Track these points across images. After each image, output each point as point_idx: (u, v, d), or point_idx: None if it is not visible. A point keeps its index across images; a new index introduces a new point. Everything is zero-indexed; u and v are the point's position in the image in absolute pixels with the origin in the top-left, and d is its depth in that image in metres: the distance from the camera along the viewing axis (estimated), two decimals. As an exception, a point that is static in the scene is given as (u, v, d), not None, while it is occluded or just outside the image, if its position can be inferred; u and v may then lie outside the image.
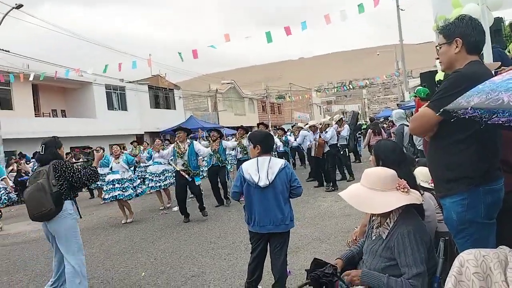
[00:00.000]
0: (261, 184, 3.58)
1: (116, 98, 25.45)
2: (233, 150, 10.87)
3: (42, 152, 4.12)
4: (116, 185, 8.75)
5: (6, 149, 16.37)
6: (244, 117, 39.39)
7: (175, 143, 8.34)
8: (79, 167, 4.36)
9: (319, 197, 9.30)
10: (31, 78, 17.27)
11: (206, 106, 35.87)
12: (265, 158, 3.69)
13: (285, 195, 3.66)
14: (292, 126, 18.34)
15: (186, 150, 8.04)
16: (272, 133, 13.11)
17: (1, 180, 10.45)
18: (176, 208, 9.61)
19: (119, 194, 8.69)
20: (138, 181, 9.68)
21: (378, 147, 2.96)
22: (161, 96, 29.66)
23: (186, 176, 7.90)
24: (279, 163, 3.69)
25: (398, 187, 2.34)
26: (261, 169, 3.62)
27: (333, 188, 9.79)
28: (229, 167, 11.28)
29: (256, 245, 3.76)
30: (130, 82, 27.16)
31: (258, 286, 3.84)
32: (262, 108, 45.79)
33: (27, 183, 4.16)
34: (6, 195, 10.61)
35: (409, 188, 2.36)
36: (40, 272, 5.64)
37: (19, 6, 16.01)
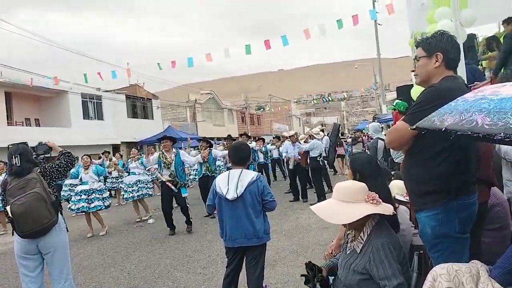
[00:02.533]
0: (229, 196, 3.52)
1: (92, 107, 25.00)
2: (223, 158, 10.92)
3: (18, 163, 3.62)
4: (83, 196, 8.54)
5: (-24, 159, 15.80)
6: (223, 128, 39.30)
7: (161, 152, 8.16)
8: (55, 161, 4.01)
9: (297, 209, 9.29)
10: (1, 79, 16.75)
11: (185, 116, 35.64)
12: (236, 171, 3.64)
13: (256, 208, 3.57)
14: (274, 137, 18.29)
15: (172, 160, 7.90)
16: (252, 143, 13.11)
17: None
18: (151, 221, 9.46)
19: (82, 206, 8.47)
20: (107, 193, 9.42)
21: (354, 160, 2.97)
22: (139, 105, 29.33)
23: (173, 187, 7.75)
24: (249, 175, 3.61)
25: (367, 199, 2.34)
26: (231, 182, 3.57)
27: (317, 201, 9.64)
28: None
29: (231, 259, 3.69)
30: (107, 91, 26.78)
31: None
32: (242, 119, 45.81)
33: (6, 197, 3.61)
34: None
35: (379, 200, 2.36)
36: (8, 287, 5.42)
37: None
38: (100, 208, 8.66)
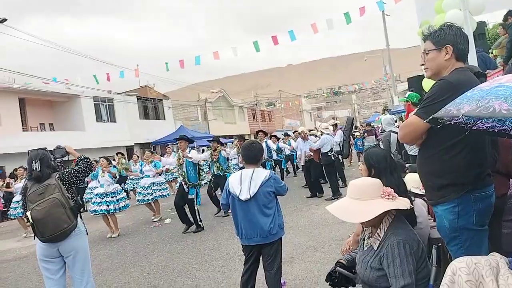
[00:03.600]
0: (242, 197, 3.52)
1: (105, 110, 25.29)
2: (234, 158, 10.96)
3: (38, 168, 3.67)
4: (98, 199, 8.72)
5: (-6, 165, 16.16)
6: (234, 126, 39.40)
7: (179, 152, 8.29)
8: (74, 167, 4.05)
9: (312, 205, 9.30)
10: (15, 86, 17.07)
11: (196, 115, 35.82)
12: (248, 170, 3.64)
13: (270, 206, 3.58)
14: (284, 135, 18.33)
15: (183, 161, 8.00)
16: (268, 141, 13.11)
17: None
18: (168, 220, 9.57)
19: (103, 208, 8.62)
20: (124, 194, 9.52)
21: (369, 156, 2.97)
22: (150, 106, 29.56)
23: (185, 186, 7.90)
24: (263, 174, 3.60)
25: (383, 195, 2.34)
26: (244, 182, 3.56)
27: (333, 198, 9.44)
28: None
29: (248, 257, 3.74)
30: (118, 93, 27.04)
31: None
32: (253, 116, 45.84)
33: (26, 202, 3.67)
34: None
35: (395, 195, 2.36)
36: (31, 291, 5.55)
37: (3, 20, 15.87)
38: (115, 210, 8.78)
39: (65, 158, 4.17)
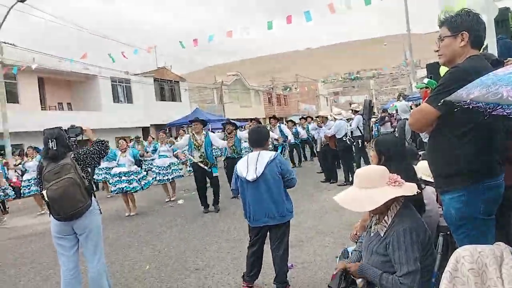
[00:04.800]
0: (249, 178, 3.64)
1: (122, 90, 25.52)
2: (245, 142, 10.96)
3: (54, 147, 3.71)
4: (123, 178, 8.84)
5: (13, 142, 16.51)
6: (250, 109, 39.34)
7: (191, 134, 8.36)
8: (90, 148, 4.11)
9: (324, 190, 9.31)
10: (33, 67, 17.35)
11: (212, 98, 35.87)
12: (254, 153, 3.76)
13: (277, 187, 3.66)
14: (300, 119, 18.29)
15: (203, 142, 8.09)
16: (282, 125, 13.10)
17: None
18: (181, 201, 9.70)
19: (125, 186, 8.79)
20: (144, 173, 9.75)
21: (379, 142, 2.96)
22: (167, 88, 29.70)
23: (205, 167, 7.98)
24: (267, 155, 3.71)
25: (389, 182, 2.33)
26: (250, 164, 3.69)
27: (345, 183, 9.43)
28: None
29: (254, 239, 3.83)
30: (135, 74, 27.21)
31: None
32: (269, 100, 45.69)
33: (42, 181, 3.72)
34: (1, 191, 10.43)
35: (401, 181, 2.35)
36: (46, 265, 5.72)
37: (23, 0, 16.03)
38: (138, 189, 8.94)
39: (79, 138, 4.22)
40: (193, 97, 34.24)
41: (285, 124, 15.44)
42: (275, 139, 11.85)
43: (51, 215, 3.74)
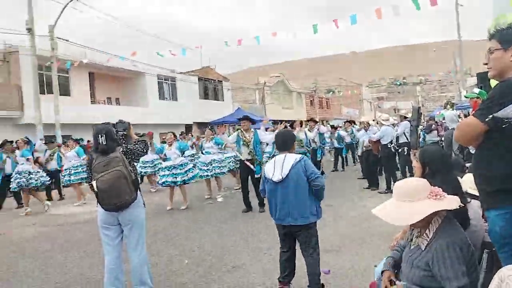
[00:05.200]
0: (275, 179, 3.78)
1: (168, 88, 26.20)
2: (268, 145, 11.04)
3: (104, 142, 3.86)
4: (167, 172, 9.09)
5: (63, 133, 17.31)
6: (291, 111, 39.27)
7: (239, 131, 8.56)
8: (134, 145, 4.30)
9: (365, 196, 9.17)
10: (85, 62, 18.14)
11: (254, 98, 36.09)
12: (281, 156, 3.89)
13: (303, 188, 3.73)
14: (345, 122, 18.09)
15: (251, 138, 8.25)
16: (322, 128, 12.97)
17: (26, 160, 10.33)
18: (220, 199, 9.84)
19: (172, 180, 9.02)
20: (190, 165, 9.76)
21: (425, 153, 2.90)
22: (210, 87, 30.19)
23: (251, 166, 8.09)
24: (293, 157, 3.82)
25: (430, 196, 2.27)
26: (277, 166, 3.82)
27: (387, 191, 9.06)
28: None
29: (282, 240, 3.96)
30: (181, 73, 27.84)
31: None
32: (310, 103, 45.43)
33: (92, 172, 3.90)
34: (37, 179, 10.34)
35: (443, 194, 2.29)
36: (91, 253, 6.00)
37: (79, -4, 16.80)
38: (183, 182, 9.15)
39: (126, 133, 4.40)
40: (235, 97, 34.59)
41: (325, 126, 15.34)
42: (312, 140, 11.80)
43: (98, 205, 3.94)
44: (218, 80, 31.12)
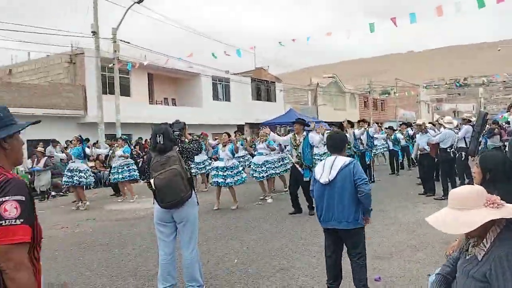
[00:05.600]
0: (322, 181, 3.77)
1: (221, 89, 26.69)
2: (317, 147, 10.96)
3: (161, 141, 4.03)
4: (220, 172, 9.24)
5: (123, 132, 18.12)
6: (344, 112, 38.58)
7: (292, 134, 8.55)
8: (189, 145, 4.49)
9: (419, 202, 8.84)
10: (145, 63, 18.91)
11: (306, 99, 35.87)
12: (331, 157, 3.87)
13: (349, 192, 3.67)
14: (401, 124, 17.53)
15: (301, 142, 8.14)
16: (370, 129, 12.61)
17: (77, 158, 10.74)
18: (270, 200, 9.87)
19: (221, 181, 9.18)
20: (239, 168, 9.83)
21: (486, 158, 2.78)
22: (263, 88, 30.37)
23: (300, 169, 8.01)
24: (342, 160, 3.76)
25: (486, 204, 2.15)
26: (326, 168, 3.80)
27: (443, 198, 8.59)
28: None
29: (327, 245, 3.93)
30: (234, 74, 28.26)
31: None
32: (364, 104, 44.37)
33: (150, 171, 4.09)
34: (87, 177, 10.81)
35: (501, 203, 2.16)
36: (146, 248, 6.24)
37: (141, 1, 17.53)
38: (230, 184, 9.25)
39: (181, 133, 4.58)
40: (287, 97, 34.56)
41: (379, 126, 14.94)
42: (360, 143, 11.47)
43: (155, 202, 4.11)
44: (270, 81, 31.26)
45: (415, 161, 13.15)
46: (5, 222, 1.67)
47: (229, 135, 9.80)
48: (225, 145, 9.39)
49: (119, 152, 11.75)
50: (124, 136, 14.56)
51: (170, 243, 4.21)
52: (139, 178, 12.33)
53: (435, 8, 12.07)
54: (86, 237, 7.33)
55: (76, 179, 10.54)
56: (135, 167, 11.92)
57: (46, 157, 12.44)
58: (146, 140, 18.26)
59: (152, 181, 3.97)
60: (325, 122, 25.28)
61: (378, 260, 5.02)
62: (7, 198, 1.69)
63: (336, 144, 3.97)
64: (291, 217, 7.98)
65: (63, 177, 10.91)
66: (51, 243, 6.70)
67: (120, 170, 11.50)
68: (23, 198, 1.73)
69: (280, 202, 9.64)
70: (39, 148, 12.71)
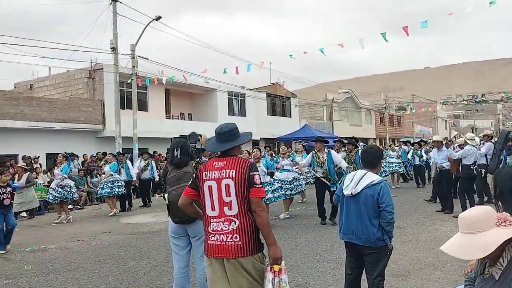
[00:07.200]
0: (346, 192, 3.71)
1: (237, 104, 26.87)
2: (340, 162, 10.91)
3: (179, 155, 4.04)
4: (268, 188, 8.66)
5: (140, 146, 18.32)
6: (360, 128, 38.42)
7: (313, 152, 8.87)
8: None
9: (437, 219, 8.69)
10: (163, 82, 19.19)
11: (321, 115, 35.84)
12: (362, 171, 3.75)
13: (370, 211, 3.55)
14: (413, 144, 17.44)
15: (325, 160, 8.52)
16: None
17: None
18: (282, 216, 9.75)
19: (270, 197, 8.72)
20: (277, 185, 9.26)
21: (499, 175, 2.74)
22: (278, 103, 30.48)
23: (327, 182, 8.46)
24: (371, 178, 3.62)
25: (498, 223, 2.10)
26: (354, 180, 3.70)
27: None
28: None
29: (348, 260, 3.89)
30: (250, 89, 28.45)
31: None
32: (380, 120, 44.09)
33: (165, 184, 4.12)
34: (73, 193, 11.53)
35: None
36: (161, 262, 6.25)
37: (158, 18, 17.90)
38: (270, 201, 8.78)
39: (197, 144, 4.61)
40: (303, 113, 34.59)
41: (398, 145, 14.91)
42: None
43: (169, 216, 4.13)
44: (286, 97, 31.37)
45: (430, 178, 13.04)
46: (257, 185, 2.93)
47: (260, 151, 9.30)
48: (258, 161, 8.66)
49: (107, 168, 12.11)
50: (118, 151, 14.63)
51: (184, 256, 4.21)
52: (121, 194, 12.13)
53: (448, 14, 11.96)
54: (102, 250, 7.38)
55: (64, 194, 11.08)
56: (121, 183, 11.95)
57: (28, 173, 11.01)
58: (159, 154, 18.54)
59: (166, 195, 4.00)
60: (339, 137, 25.19)
61: (395, 278, 4.94)
62: (256, 172, 2.99)
63: (370, 160, 3.81)
64: (306, 233, 7.92)
65: (50, 193, 11.34)
66: (67, 256, 6.76)
67: (105, 186, 11.85)
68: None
69: (295, 218, 9.57)
70: (20, 163, 12.34)
